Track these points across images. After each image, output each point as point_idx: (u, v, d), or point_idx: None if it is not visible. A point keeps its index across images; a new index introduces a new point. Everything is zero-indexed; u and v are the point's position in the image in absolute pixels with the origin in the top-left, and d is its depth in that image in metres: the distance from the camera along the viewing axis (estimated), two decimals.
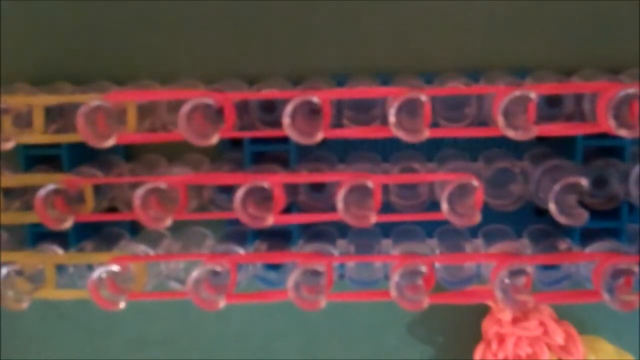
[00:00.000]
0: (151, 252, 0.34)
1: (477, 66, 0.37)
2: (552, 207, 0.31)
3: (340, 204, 0.30)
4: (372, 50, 0.37)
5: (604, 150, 0.34)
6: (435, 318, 0.40)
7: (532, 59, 0.37)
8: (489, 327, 0.38)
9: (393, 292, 0.31)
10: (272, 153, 0.35)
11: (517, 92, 0.29)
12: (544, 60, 0.37)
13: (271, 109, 0.34)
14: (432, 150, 0.35)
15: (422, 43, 0.37)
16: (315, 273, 0.31)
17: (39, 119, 0.32)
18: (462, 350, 0.40)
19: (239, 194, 0.31)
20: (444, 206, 0.30)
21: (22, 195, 0.34)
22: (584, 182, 0.31)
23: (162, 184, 0.31)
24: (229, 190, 0.32)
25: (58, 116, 0.34)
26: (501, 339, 0.38)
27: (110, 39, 0.38)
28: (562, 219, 0.31)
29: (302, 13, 0.37)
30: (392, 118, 0.30)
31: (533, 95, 0.29)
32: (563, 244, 0.34)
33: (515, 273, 0.31)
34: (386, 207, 0.32)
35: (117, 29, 0.38)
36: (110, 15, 0.38)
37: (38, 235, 0.36)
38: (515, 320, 0.38)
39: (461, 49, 0.37)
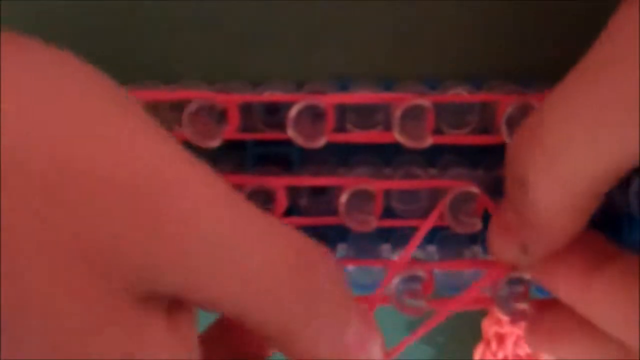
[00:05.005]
0: None
1: (480, 73, 0.37)
2: None
3: (342, 208, 0.30)
4: (376, 54, 0.37)
5: None
6: None
7: (534, 65, 0.37)
8: (489, 327, 0.38)
9: (392, 298, 0.31)
10: (274, 155, 0.35)
11: (520, 101, 0.29)
12: (544, 66, 0.37)
13: (274, 111, 0.34)
14: (435, 156, 0.35)
15: (426, 48, 0.37)
16: None
17: None
18: (462, 350, 0.40)
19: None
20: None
21: None
22: None
23: None
24: None
25: None
26: (501, 339, 0.38)
27: (111, 39, 0.38)
28: None
29: (306, 15, 0.37)
30: (395, 125, 0.30)
31: (536, 103, 0.29)
32: None
33: (514, 282, 0.31)
34: (387, 212, 0.32)
35: (118, 29, 0.38)
36: (110, 15, 0.38)
37: None
38: None
39: (463, 54, 0.37)
